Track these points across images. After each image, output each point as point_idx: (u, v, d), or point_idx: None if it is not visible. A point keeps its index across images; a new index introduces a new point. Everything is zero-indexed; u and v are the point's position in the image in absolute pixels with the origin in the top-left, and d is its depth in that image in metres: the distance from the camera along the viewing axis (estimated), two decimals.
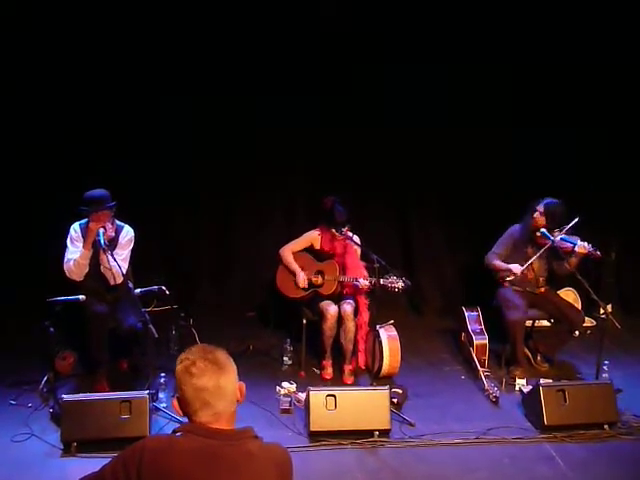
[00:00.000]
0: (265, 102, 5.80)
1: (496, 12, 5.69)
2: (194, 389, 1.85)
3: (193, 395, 1.85)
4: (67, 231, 4.59)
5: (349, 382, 4.90)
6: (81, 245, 4.49)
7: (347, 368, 4.96)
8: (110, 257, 4.38)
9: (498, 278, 5.14)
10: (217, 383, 1.86)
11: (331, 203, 4.97)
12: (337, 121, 5.89)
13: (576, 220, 4.84)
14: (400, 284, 4.73)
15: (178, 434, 1.88)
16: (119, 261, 4.43)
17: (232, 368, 1.93)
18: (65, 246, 4.56)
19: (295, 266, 5.11)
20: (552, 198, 4.98)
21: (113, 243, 4.55)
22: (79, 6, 5.24)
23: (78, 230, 4.57)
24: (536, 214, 4.96)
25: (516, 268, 4.99)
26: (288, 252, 5.14)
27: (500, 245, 5.18)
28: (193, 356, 1.89)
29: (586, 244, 4.82)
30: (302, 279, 5.07)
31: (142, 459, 1.78)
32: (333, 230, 4.96)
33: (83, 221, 4.58)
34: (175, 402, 1.93)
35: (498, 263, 5.11)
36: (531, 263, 5.01)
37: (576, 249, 4.82)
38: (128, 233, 4.68)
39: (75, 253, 4.49)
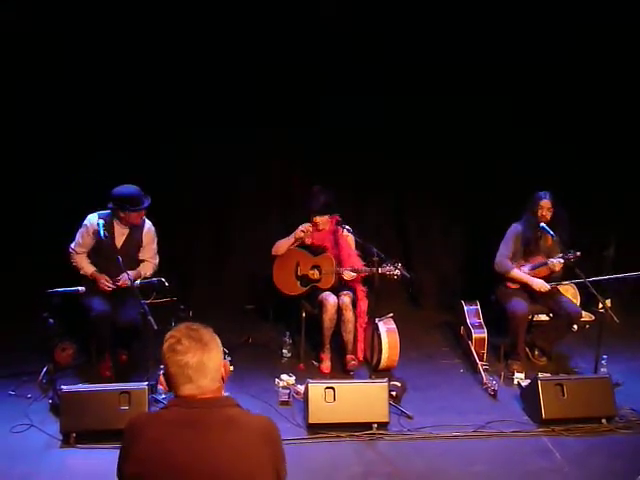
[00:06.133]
0: (263, 101, 5.79)
1: (501, 14, 5.68)
2: (178, 366, 1.90)
3: (177, 371, 1.90)
4: (83, 218, 4.57)
5: (351, 365, 4.90)
6: (87, 247, 4.55)
7: (349, 357, 4.96)
8: (126, 276, 4.43)
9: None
10: (200, 360, 1.90)
11: (314, 191, 4.98)
12: (335, 119, 5.86)
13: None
14: (398, 271, 4.72)
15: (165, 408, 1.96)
16: (149, 257, 4.69)
17: (216, 346, 1.96)
18: (77, 230, 4.56)
19: (288, 240, 5.08)
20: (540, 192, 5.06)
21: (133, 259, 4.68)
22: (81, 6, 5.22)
23: (95, 224, 4.45)
24: (544, 209, 4.99)
25: (542, 286, 5.00)
26: (279, 245, 5.13)
27: (507, 247, 5.15)
28: (178, 334, 1.93)
29: (555, 260, 4.92)
30: (303, 228, 5.04)
31: (125, 437, 1.87)
32: (314, 218, 4.98)
33: (103, 213, 4.50)
34: (162, 377, 1.98)
35: (518, 274, 5.08)
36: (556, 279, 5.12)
37: (549, 266, 4.95)
38: (149, 231, 4.70)
39: (82, 259, 4.55)
